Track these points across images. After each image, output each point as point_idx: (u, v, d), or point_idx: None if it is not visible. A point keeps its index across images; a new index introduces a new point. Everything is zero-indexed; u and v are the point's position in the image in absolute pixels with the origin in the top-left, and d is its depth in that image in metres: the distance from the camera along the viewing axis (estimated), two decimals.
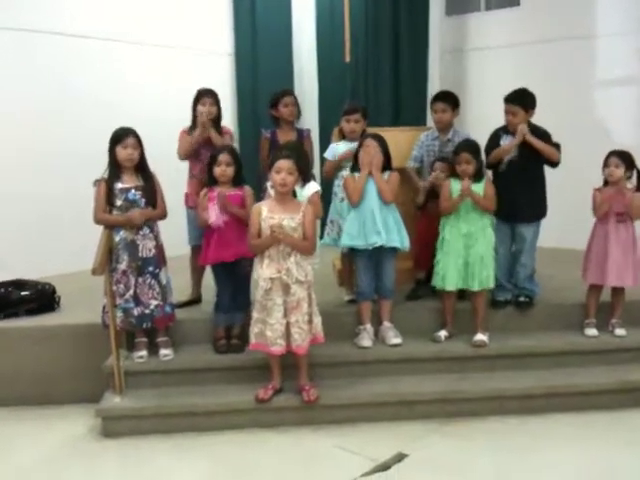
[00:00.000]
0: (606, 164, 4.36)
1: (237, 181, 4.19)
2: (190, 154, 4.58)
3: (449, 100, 4.77)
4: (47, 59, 5.79)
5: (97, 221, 4.07)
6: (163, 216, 4.22)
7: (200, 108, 4.54)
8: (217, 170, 4.11)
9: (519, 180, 4.43)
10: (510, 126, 4.45)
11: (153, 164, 4.23)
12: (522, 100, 4.42)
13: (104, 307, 4.11)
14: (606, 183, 4.39)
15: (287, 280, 3.76)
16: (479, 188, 4.27)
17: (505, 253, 4.59)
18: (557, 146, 4.44)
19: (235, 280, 4.23)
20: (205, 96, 4.56)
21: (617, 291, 4.50)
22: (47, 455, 3.76)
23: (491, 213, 4.34)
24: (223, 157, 4.12)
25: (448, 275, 4.28)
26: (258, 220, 3.79)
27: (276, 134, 4.79)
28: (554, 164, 4.45)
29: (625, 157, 4.31)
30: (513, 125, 4.42)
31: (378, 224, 4.15)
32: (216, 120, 4.59)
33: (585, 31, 6.60)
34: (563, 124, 5.74)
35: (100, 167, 4.09)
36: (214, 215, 4.06)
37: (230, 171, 4.12)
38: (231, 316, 4.30)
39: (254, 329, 3.88)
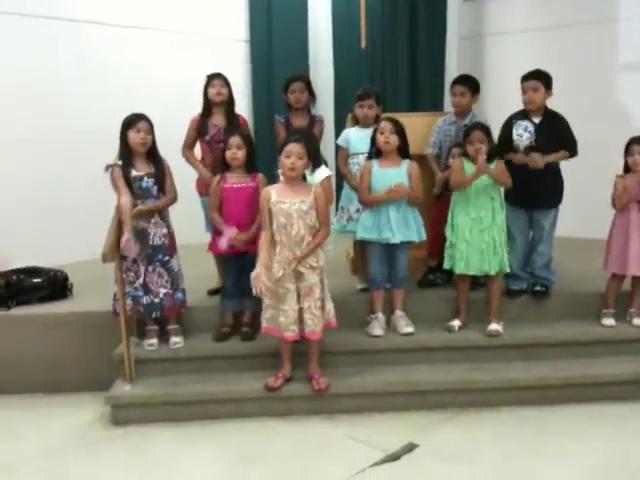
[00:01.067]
0: (629, 152, 4.25)
1: (250, 167, 4.14)
2: (188, 156, 4.62)
3: (469, 84, 4.68)
4: (60, 45, 5.78)
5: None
6: (173, 201, 4.16)
7: (210, 91, 4.51)
8: (228, 154, 4.06)
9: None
10: (529, 104, 4.33)
11: (167, 151, 4.20)
12: (543, 77, 4.33)
13: (115, 295, 4.09)
14: (627, 170, 4.28)
15: (299, 267, 3.72)
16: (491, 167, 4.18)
17: (523, 243, 4.52)
18: (573, 142, 4.33)
19: (242, 267, 4.17)
20: (214, 79, 4.53)
21: (638, 280, 4.40)
22: (56, 442, 3.76)
23: (508, 188, 4.24)
24: (233, 140, 4.06)
25: (462, 259, 4.20)
26: (267, 205, 3.74)
27: (289, 119, 4.73)
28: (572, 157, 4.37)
29: None
30: (533, 102, 4.30)
31: (392, 223, 4.10)
32: (228, 103, 4.56)
33: (604, 15, 6.44)
34: (581, 110, 5.64)
35: (113, 154, 4.05)
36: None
37: (241, 154, 4.06)
38: (238, 302, 4.27)
39: (265, 314, 3.84)
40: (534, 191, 4.33)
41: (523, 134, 4.35)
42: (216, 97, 4.51)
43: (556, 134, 4.30)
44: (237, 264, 4.18)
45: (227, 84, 4.56)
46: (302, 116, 4.73)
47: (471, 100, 4.69)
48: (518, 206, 4.41)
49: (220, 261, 4.55)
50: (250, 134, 4.29)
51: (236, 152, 4.05)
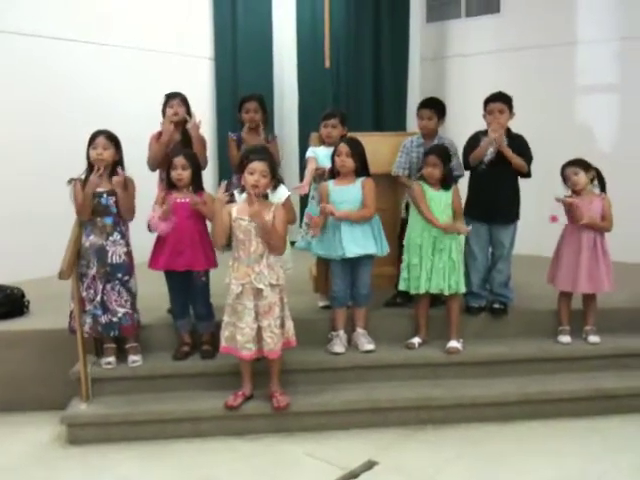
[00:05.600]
0: (565, 178, 4.35)
1: (196, 186, 4.10)
2: (159, 163, 4.46)
3: (436, 107, 4.65)
4: (29, 60, 5.71)
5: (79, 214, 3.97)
6: (129, 213, 4.07)
7: (168, 111, 4.49)
8: (174, 174, 4.04)
9: (498, 180, 4.39)
10: (492, 125, 4.38)
11: (132, 168, 4.15)
12: (508, 100, 4.40)
13: (71, 312, 4.03)
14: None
15: (258, 284, 3.71)
16: (447, 197, 4.23)
17: (484, 261, 4.57)
18: (529, 159, 4.40)
19: (188, 290, 4.16)
20: (172, 99, 4.51)
21: (588, 298, 4.48)
22: (10, 462, 3.68)
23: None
24: (178, 160, 4.04)
25: (420, 278, 4.23)
26: (228, 219, 3.72)
27: (241, 137, 4.73)
28: (524, 175, 4.43)
29: (578, 162, 4.31)
30: (496, 123, 4.37)
31: (343, 239, 4.09)
32: (185, 121, 4.50)
33: (565, 38, 6.59)
34: (543, 131, 5.76)
35: (74, 169, 4.01)
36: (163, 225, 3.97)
37: (187, 175, 4.04)
38: (188, 321, 4.26)
39: (225, 332, 3.83)
40: (495, 204, 4.41)
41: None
42: (173, 117, 4.47)
43: (518, 153, 4.36)
44: (183, 288, 4.16)
45: (185, 103, 4.53)
46: (256, 135, 4.74)
47: (438, 123, 4.66)
48: (478, 220, 4.46)
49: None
50: (194, 154, 4.23)
51: (181, 173, 4.03)
